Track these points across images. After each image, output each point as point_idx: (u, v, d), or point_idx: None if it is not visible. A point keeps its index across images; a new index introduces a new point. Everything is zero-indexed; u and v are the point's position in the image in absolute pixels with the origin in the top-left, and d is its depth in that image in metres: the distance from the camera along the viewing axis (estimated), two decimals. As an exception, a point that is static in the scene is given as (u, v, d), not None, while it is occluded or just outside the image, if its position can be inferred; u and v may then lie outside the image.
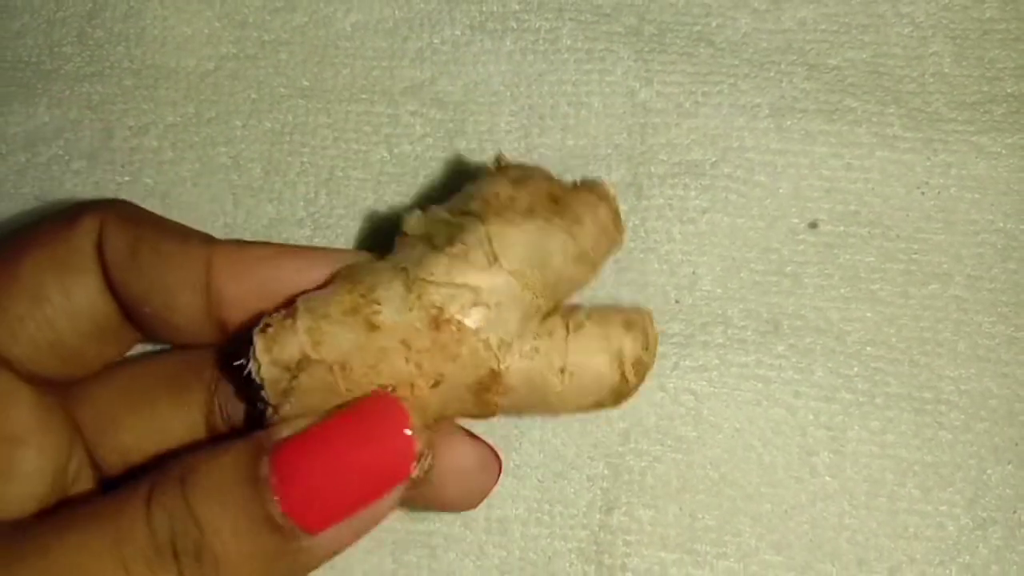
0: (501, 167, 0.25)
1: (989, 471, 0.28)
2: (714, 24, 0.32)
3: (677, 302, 0.30)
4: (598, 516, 0.29)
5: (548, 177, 0.24)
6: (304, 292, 0.23)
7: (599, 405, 0.24)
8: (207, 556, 0.20)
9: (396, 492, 0.21)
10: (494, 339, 0.22)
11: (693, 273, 0.30)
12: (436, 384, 0.22)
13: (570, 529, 0.29)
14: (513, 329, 0.22)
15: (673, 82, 0.31)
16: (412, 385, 0.22)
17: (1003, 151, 0.30)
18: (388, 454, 0.21)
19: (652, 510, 0.29)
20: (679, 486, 0.29)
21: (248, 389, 0.23)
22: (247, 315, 0.23)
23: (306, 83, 0.33)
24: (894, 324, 0.29)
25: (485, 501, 0.29)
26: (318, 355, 0.22)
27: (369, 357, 0.22)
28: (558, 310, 0.24)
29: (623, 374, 0.23)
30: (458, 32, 0.33)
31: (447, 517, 0.29)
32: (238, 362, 0.22)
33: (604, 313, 0.24)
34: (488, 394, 0.23)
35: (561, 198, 0.23)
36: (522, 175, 0.24)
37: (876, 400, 0.29)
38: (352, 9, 0.33)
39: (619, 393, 0.24)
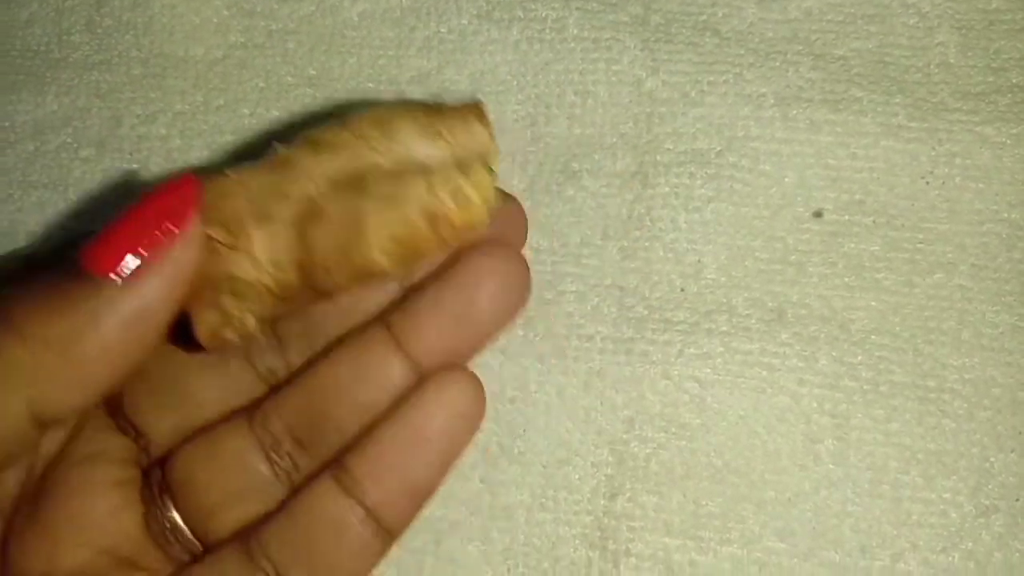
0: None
1: (992, 459, 0.28)
2: (720, 14, 0.32)
3: (682, 290, 0.30)
4: (602, 502, 0.29)
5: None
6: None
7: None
8: None
9: (187, 241, 0.22)
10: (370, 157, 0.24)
11: (698, 261, 0.30)
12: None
13: (574, 515, 0.29)
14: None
15: (679, 71, 0.32)
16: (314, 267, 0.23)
17: (1008, 141, 0.30)
18: (172, 197, 0.22)
19: (656, 496, 0.29)
20: (683, 473, 0.29)
21: None
22: None
23: (313, 72, 0.33)
24: (898, 313, 0.29)
25: (490, 488, 0.29)
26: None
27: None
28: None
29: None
30: (465, 21, 0.33)
31: (452, 503, 0.29)
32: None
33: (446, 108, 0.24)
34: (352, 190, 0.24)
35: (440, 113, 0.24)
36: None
37: (880, 388, 0.29)
38: (359, -2, 0.34)
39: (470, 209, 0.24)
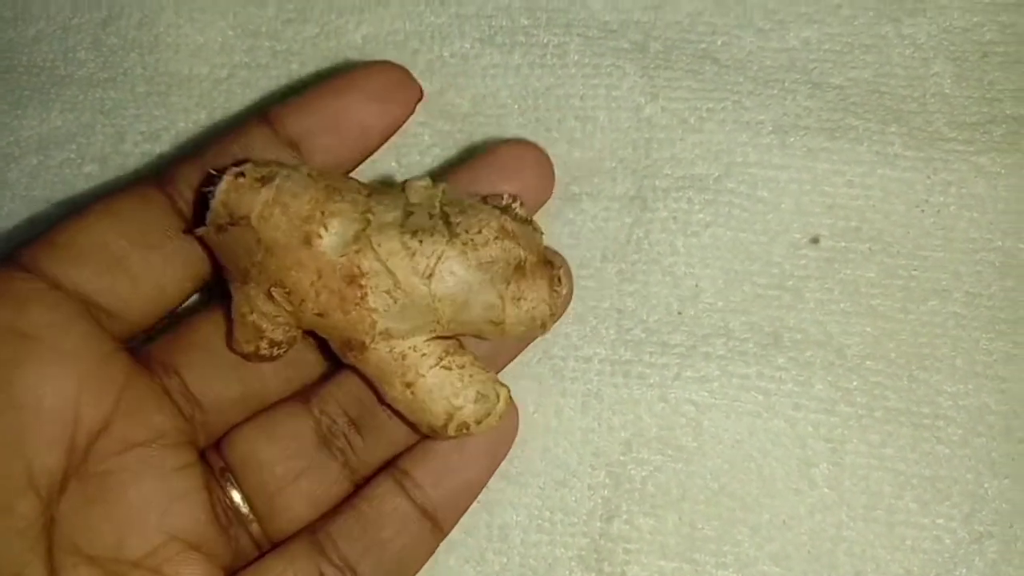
0: (508, 206, 0.27)
1: (986, 485, 0.29)
2: (719, 42, 0.33)
3: (679, 313, 0.31)
4: (599, 524, 0.29)
5: (535, 245, 0.27)
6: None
7: (417, 429, 0.27)
8: None
9: None
10: (380, 323, 0.25)
11: (696, 285, 0.31)
12: (319, 315, 0.25)
13: (571, 537, 0.29)
14: (400, 328, 0.25)
15: (678, 98, 0.32)
16: (303, 301, 0.25)
17: (1002, 171, 0.30)
18: None
19: (652, 519, 0.29)
20: (679, 495, 0.29)
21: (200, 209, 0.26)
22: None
23: (317, 93, 0.34)
24: (893, 339, 0.30)
25: (487, 508, 0.29)
26: (257, 226, 0.25)
27: (288, 259, 0.25)
28: (447, 341, 0.26)
29: (446, 424, 0.26)
30: (467, 45, 0.33)
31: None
32: (207, 188, 0.26)
33: (475, 373, 0.26)
34: (350, 352, 0.26)
35: (526, 271, 0.26)
36: (516, 230, 0.26)
37: (875, 414, 0.29)
38: (363, 21, 0.34)
39: (435, 433, 0.27)
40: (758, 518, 0.29)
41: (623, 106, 0.32)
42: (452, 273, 0.25)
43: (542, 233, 0.27)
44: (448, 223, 0.26)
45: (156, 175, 0.28)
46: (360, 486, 0.28)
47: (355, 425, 0.28)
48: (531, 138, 0.32)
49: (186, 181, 0.27)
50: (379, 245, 0.25)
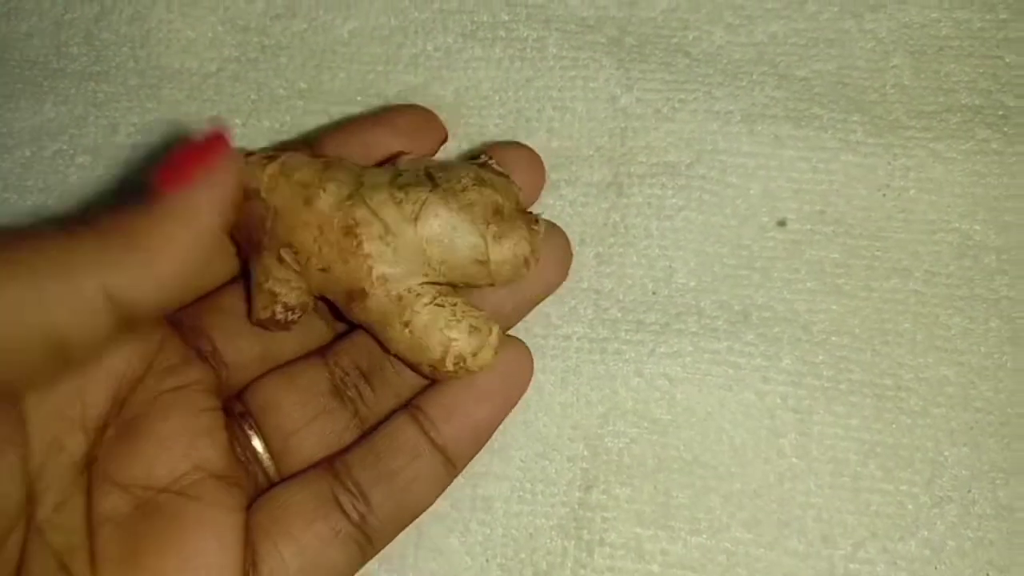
0: (485, 163, 0.29)
1: (946, 453, 0.30)
2: (691, 36, 0.34)
3: (654, 293, 0.32)
4: (578, 494, 0.30)
5: (512, 194, 0.29)
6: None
7: (420, 371, 0.29)
8: None
9: (229, 161, 0.25)
10: (377, 268, 0.27)
11: (669, 267, 0.32)
12: (323, 270, 0.27)
13: (551, 507, 0.30)
14: (395, 272, 0.27)
15: (652, 89, 0.33)
16: (308, 258, 0.27)
17: (958, 156, 0.32)
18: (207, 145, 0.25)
19: (629, 488, 0.30)
20: (654, 466, 0.30)
21: None
22: None
23: (304, 86, 0.35)
24: (857, 315, 0.31)
25: (470, 481, 0.30)
26: (267, 196, 0.27)
27: (293, 220, 0.27)
28: (440, 286, 0.28)
29: (443, 357, 0.28)
30: (450, 40, 0.35)
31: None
32: None
33: (468, 310, 0.28)
34: (354, 305, 0.28)
35: (504, 216, 0.28)
36: (493, 179, 0.28)
37: (840, 386, 0.31)
38: (350, 17, 0.35)
39: (436, 371, 0.28)
40: (730, 486, 0.30)
41: (599, 97, 0.34)
42: (436, 216, 0.27)
43: (519, 188, 0.29)
44: (431, 178, 0.28)
45: None
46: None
47: (366, 377, 0.30)
48: (511, 128, 0.34)
49: None
50: (370, 199, 0.27)
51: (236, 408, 0.29)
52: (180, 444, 0.26)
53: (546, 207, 0.33)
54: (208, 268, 0.29)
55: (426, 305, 0.27)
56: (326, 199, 0.27)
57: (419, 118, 0.33)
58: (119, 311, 0.23)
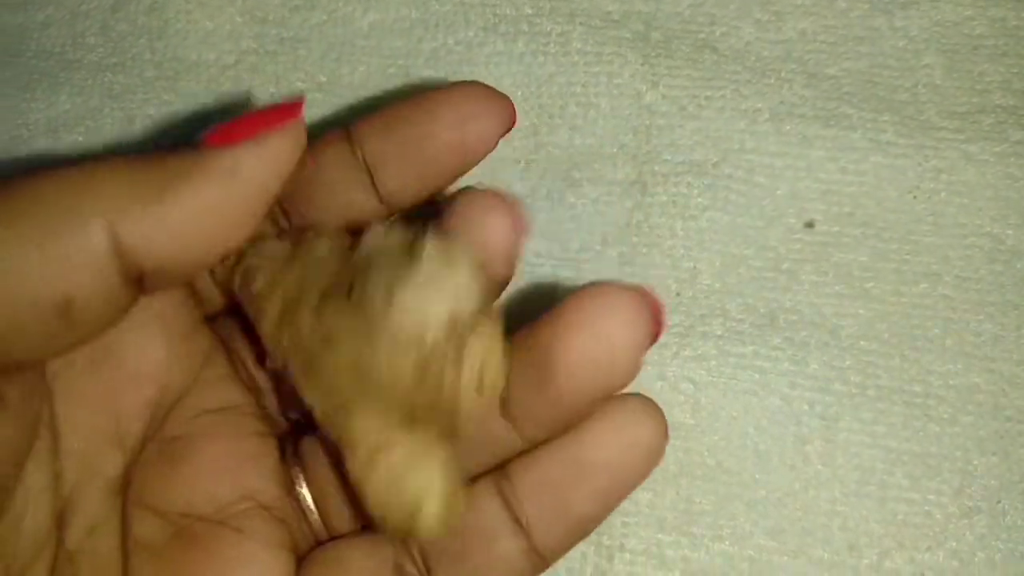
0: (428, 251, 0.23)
1: (975, 462, 0.29)
2: (718, 32, 0.33)
3: (678, 295, 0.31)
4: (598, 499, 0.30)
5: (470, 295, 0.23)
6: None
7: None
8: None
9: (291, 130, 0.22)
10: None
11: (694, 268, 0.31)
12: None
13: (571, 511, 0.30)
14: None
15: (678, 86, 0.33)
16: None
17: (991, 159, 0.31)
18: (274, 111, 0.22)
19: (650, 493, 0.30)
20: (677, 471, 0.30)
21: None
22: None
23: (323, 79, 0.34)
24: (886, 320, 0.31)
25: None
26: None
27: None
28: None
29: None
30: (472, 34, 0.34)
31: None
32: None
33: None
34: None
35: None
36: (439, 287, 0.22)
37: (868, 392, 0.30)
38: (370, 9, 0.35)
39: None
40: (754, 493, 0.30)
41: (624, 93, 0.33)
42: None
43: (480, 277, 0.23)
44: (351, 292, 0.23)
45: None
46: None
47: None
48: (533, 125, 0.33)
49: None
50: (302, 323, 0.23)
51: (288, 450, 0.26)
52: (223, 470, 0.24)
53: (568, 206, 0.32)
54: (241, 233, 0.22)
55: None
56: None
57: (479, 99, 0.26)
58: (127, 266, 0.20)
